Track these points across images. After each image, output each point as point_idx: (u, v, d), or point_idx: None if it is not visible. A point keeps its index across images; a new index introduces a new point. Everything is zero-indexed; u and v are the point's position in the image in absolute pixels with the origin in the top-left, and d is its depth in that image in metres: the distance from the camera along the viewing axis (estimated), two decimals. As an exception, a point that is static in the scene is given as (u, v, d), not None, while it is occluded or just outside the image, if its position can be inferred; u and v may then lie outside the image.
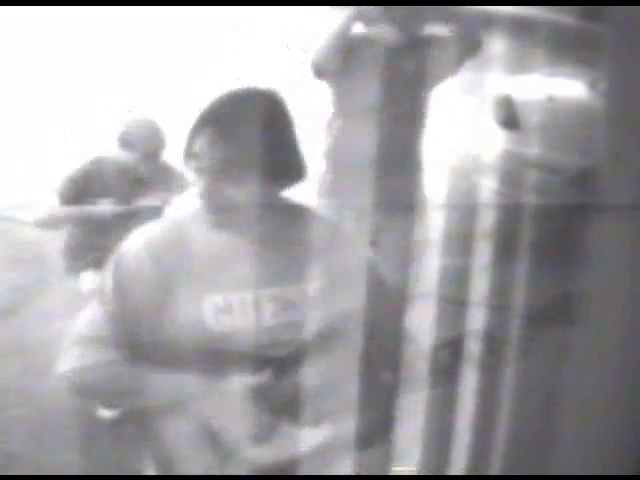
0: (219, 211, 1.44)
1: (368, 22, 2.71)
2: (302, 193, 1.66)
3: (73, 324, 1.46)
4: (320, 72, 2.75)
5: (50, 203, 3.04)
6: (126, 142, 2.97)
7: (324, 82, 2.82)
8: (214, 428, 1.38)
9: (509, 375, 2.18)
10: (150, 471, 1.49)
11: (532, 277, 2.60)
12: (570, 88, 4.27)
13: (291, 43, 5.58)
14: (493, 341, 2.48)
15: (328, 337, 1.43)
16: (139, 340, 1.39)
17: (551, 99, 4.18)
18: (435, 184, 3.66)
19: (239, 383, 1.36)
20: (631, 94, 1.12)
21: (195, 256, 1.41)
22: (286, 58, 5.37)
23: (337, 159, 2.79)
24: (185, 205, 1.53)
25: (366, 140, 2.48)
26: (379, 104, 2.47)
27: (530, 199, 3.89)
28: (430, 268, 3.07)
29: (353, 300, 1.46)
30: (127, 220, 3.07)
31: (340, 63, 2.69)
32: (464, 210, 3.60)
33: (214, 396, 1.37)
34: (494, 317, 2.59)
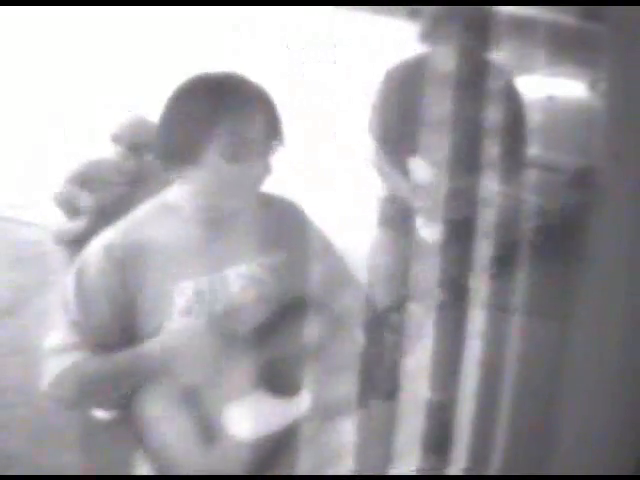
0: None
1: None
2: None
3: (42, 342, 1.46)
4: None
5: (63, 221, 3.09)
6: (115, 137, 3.00)
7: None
8: (196, 405, 1.39)
9: (508, 374, 2.18)
10: (144, 466, 1.50)
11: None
12: (570, 88, 4.27)
13: (291, 43, 5.58)
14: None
15: (298, 307, 1.46)
16: (109, 343, 1.40)
17: (551, 99, 4.18)
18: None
19: (220, 358, 1.38)
20: (631, 94, 1.12)
21: (159, 249, 1.42)
22: (286, 58, 5.38)
23: None
24: (141, 204, 1.52)
25: None
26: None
27: (530, 199, 3.89)
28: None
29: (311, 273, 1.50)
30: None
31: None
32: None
33: (197, 371, 1.38)
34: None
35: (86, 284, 1.41)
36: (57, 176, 3.15)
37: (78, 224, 3.03)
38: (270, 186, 1.51)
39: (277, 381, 1.42)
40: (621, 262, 1.15)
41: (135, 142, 2.99)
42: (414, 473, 2.24)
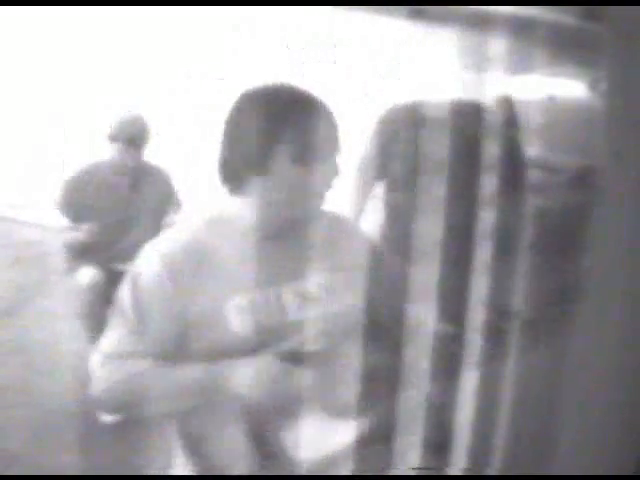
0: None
1: None
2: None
3: (97, 346, 1.46)
4: None
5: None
6: (112, 135, 3.03)
7: None
8: (255, 425, 1.40)
9: (506, 372, 2.18)
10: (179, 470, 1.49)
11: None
12: (570, 88, 4.27)
13: (291, 43, 5.58)
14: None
15: (349, 331, 1.45)
16: (164, 349, 1.40)
17: (551, 99, 4.18)
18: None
19: (277, 379, 1.37)
20: (631, 94, 1.12)
21: (215, 261, 1.41)
22: (286, 58, 5.38)
23: None
24: (196, 215, 1.51)
25: None
26: None
27: (530, 199, 3.89)
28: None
29: (363, 293, 1.48)
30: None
31: None
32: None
33: (253, 393, 1.37)
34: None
35: (142, 292, 1.40)
36: (58, 176, 3.15)
37: (84, 232, 3.05)
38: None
39: (335, 403, 1.41)
40: (621, 262, 1.15)
41: (132, 137, 3.01)
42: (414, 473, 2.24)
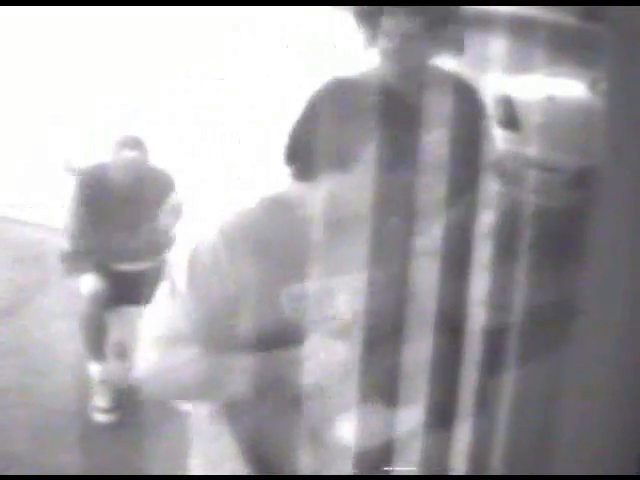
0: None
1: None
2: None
3: (144, 326, 1.42)
4: None
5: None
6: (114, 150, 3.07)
7: None
8: (303, 405, 1.36)
9: (508, 373, 2.18)
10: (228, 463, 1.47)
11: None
12: (570, 88, 4.27)
13: (291, 43, 5.58)
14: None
15: (406, 321, 1.42)
16: (219, 334, 1.35)
17: (551, 99, 4.18)
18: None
19: (333, 364, 1.34)
20: (631, 94, 1.12)
21: (269, 245, 1.36)
22: (286, 58, 5.38)
23: None
24: (256, 194, 1.44)
25: None
26: None
27: (530, 199, 3.89)
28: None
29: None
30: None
31: None
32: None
33: (310, 378, 1.33)
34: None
35: (200, 270, 1.35)
36: (57, 176, 3.16)
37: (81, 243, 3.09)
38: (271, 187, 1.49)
39: (389, 393, 1.39)
40: (621, 262, 1.15)
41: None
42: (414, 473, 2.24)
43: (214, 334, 1.36)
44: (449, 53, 2.12)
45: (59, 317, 3.26)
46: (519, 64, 4.36)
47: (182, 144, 4.41)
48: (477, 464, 2.00)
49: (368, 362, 1.36)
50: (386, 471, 1.42)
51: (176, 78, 5.83)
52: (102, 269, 3.07)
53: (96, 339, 3.00)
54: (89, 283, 3.01)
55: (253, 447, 1.43)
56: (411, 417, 1.43)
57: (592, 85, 3.89)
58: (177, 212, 3.24)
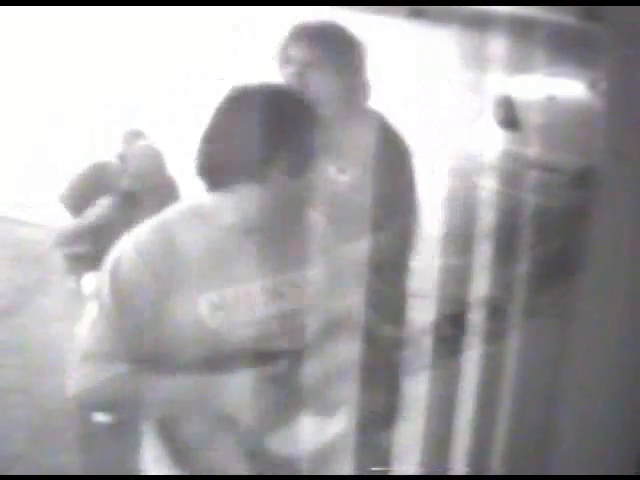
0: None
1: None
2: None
3: (76, 340, 1.44)
4: None
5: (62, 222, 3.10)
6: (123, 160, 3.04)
7: None
8: (234, 422, 1.38)
9: (508, 373, 2.18)
10: (158, 471, 1.50)
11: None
12: (570, 88, 4.27)
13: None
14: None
15: (332, 327, 1.44)
16: (143, 347, 1.39)
17: (551, 99, 4.18)
18: (435, 184, 3.66)
19: (254, 376, 1.37)
20: (631, 94, 1.12)
21: (187, 255, 1.39)
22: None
23: None
24: (172, 207, 1.50)
25: None
26: None
27: (530, 199, 3.89)
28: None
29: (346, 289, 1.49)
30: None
31: None
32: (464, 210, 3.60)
33: (231, 390, 1.37)
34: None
35: (122, 283, 1.38)
36: (58, 176, 3.15)
37: (80, 222, 3.05)
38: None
39: (317, 400, 1.41)
40: (621, 262, 1.15)
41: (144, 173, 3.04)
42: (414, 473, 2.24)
43: (137, 347, 1.38)
44: (352, 90, 1.97)
45: (59, 317, 3.26)
46: (519, 64, 4.37)
47: (182, 144, 4.41)
48: (476, 465, 2.00)
49: (291, 368, 1.38)
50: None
51: (176, 78, 5.83)
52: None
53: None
54: (92, 283, 3.01)
55: (186, 463, 1.44)
56: (338, 422, 1.46)
57: (592, 85, 3.89)
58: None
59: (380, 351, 1.49)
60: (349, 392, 1.45)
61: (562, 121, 3.94)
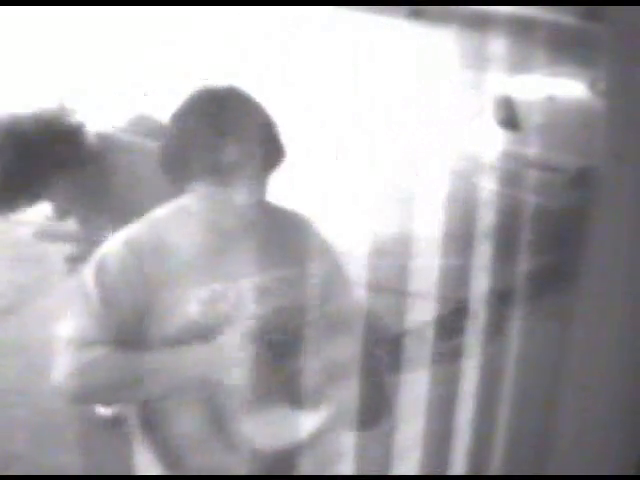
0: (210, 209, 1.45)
1: None
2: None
3: (59, 329, 1.48)
4: None
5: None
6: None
7: None
8: (218, 414, 1.41)
9: (508, 373, 2.18)
10: (153, 467, 1.50)
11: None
12: (570, 88, 4.27)
13: (291, 43, 5.58)
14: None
15: (321, 323, 1.47)
16: (127, 339, 1.41)
17: (551, 99, 4.18)
18: (436, 184, 3.66)
19: (242, 367, 1.38)
20: (631, 94, 1.12)
21: (176, 252, 1.43)
22: (286, 58, 5.38)
23: None
24: (164, 205, 1.53)
25: None
26: None
27: (530, 199, 3.89)
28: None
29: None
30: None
31: None
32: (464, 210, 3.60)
33: (215, 382, 1.39)
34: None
35: (107, 277, 1.41)
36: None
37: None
38: (272, 186, 1.50)
39: (298, 394, 1.42)
40: (621, 262, 1.15)
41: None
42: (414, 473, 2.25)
43: (121, 339, 1.40)
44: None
45: (59, 317, 3.26)
46: (519, 64, 4.37)
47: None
48: (476, 465, 2.00)
49: (275, 362, 1.40)
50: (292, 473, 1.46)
51: (176, 77, 5.83)
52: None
53: None
54: None
55: (157, 442, 1.47)
56: (317, 418, 1.47)
57: (592, 85, 3.89)
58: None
59: (368, 348, 1.50)
60: (334, 387, 1.46)
61: (562, 121, 3.95)
